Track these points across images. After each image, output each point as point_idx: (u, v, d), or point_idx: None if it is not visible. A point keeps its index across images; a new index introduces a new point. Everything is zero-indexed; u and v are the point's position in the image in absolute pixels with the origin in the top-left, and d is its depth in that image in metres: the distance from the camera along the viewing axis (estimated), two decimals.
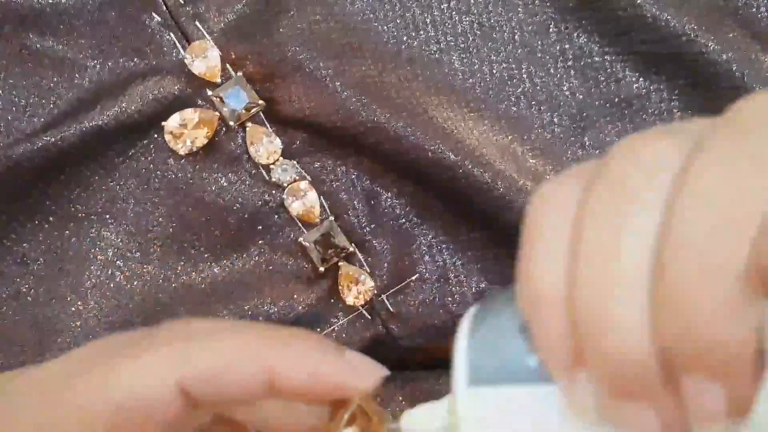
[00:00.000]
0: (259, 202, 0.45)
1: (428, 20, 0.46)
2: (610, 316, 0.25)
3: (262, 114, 0.45)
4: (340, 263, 0.45)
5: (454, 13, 0.46)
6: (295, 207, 0.45)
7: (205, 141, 0.44)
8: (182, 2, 0.44)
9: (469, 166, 0.43)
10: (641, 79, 0.46)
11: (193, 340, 0.31)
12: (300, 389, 0.31)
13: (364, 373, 0.33)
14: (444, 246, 0.46)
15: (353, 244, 0.45)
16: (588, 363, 0.26)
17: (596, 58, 0.46)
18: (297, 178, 0.45)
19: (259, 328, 0.35)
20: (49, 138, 0.42)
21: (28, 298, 0.44)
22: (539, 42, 0.46)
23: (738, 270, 0.23)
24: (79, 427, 0.31)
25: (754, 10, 0.46)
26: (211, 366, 0.30)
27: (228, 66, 0.44)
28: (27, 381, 0.33)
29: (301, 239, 0.45)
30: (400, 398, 0.46)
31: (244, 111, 0.44)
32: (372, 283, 0.45)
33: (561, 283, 0.26)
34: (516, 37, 0.46)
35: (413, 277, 0.46)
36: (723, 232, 0.23)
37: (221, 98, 0.44)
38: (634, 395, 0.25)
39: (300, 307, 0.45)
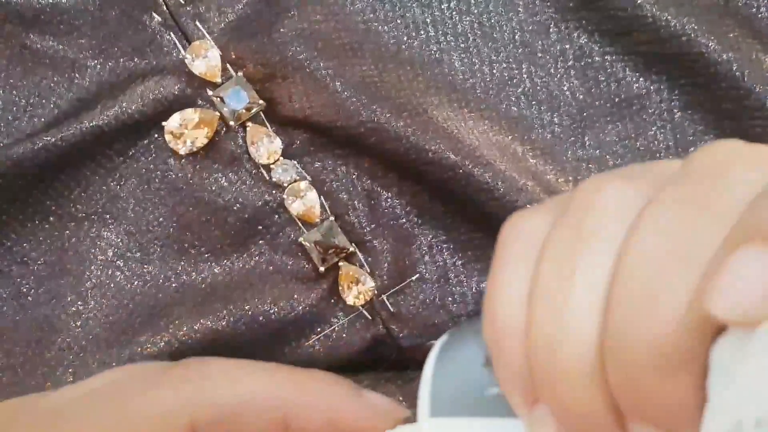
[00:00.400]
0: (260, 202, 0.45)
1: (428, 20, 0.46)
2: (559, 362, 0.25)
3: (262, 114, 0.45)
4: (340, 263, 0.45)
5: (454, 13, 0.46)
6: (296, 207, 0.45)
7: (206, 141, 0.44)
8: (182, 2, 0.44)
9: (470, 166, 0.43)
10: (641, 79, 0.46)
11: (209, 379, 0.31)
12: (316, 430, 0.31)
13: (383, 415, 0.33)
14: (444, 246, 0.46)
15: (353, 244, 0.45)
16: (545, 401, 0.26)
17: (596, 58, 0.46)
18: (297, 178, 0.45)
19: (277, 370, 0.35)
20: (49, 138, 0.42)
21: (29, 298, 0.44)
22: (539, 42, 0.46)
23: (681, 320, 0.23)
24: None
25: (754, 10, 0.46)
26: (225, 407, 0.31)
27: (228, 66, 0.44)
28: (38, 409, 0.34)
29: (301, 239, 0.45)
30: (400, 398, 0.46)
31: (244, 111, 0.44)
32: (372, 283, 0.45)
33: (522, 318, 0.26)
34: (516, 37, 0.46)
35: (414, 277, 0.46)
36: (666, 282, 0.24)
37: (221, 98, 0.44)
38: None
39: (300, 307, 0.45)
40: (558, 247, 0.26)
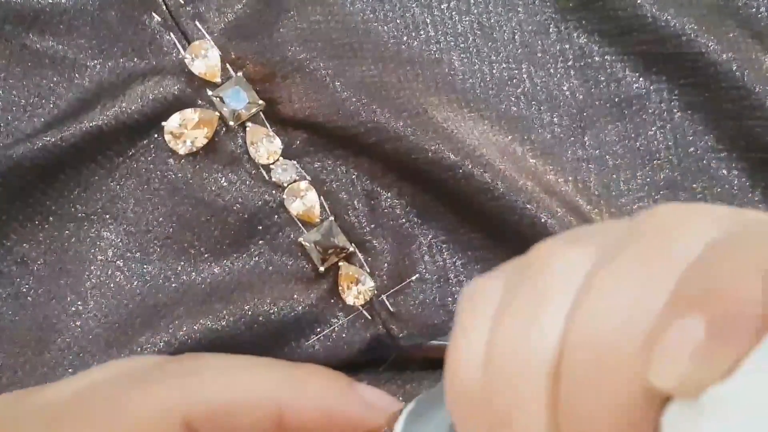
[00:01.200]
0: (259, 202, 0.45)
1: (428, 20, 0.45)
2: (515, 424, 0.25)
3: (262, 114, 0.45)
4: (340, 263, 0.45)
5: (454, 13, 0.46)
6: (295, 207, 0.45)
7: (205, 141, 0.44)
8: (182, 2, 0.44)
9: (470, 166, 0.43)
10: (641, 79, 0.46)
11: (203, 375, 0.31)
12: (311, 425, 0.31)
13: (378, 408, 0.33)
14: (444, 246, 0.46)
15: (353, 244, 0.45)
16: None
17: (596, 58, 0.46)
18: (297, 178, 0.45)
19: (271, 365, 0.35)
20: (49, 138, 0.42)
21: (28, 298, 0.44)
22: (539, 42, 0.46)
23: (628, 388, 0.23)
24: None
25: (754, 10, 0.46)
26: (219, 403, 0.31)
27: (228, 66, 0.44)
28: (34, 404, 0.33)
29: (301, 239, 0.45)
30: (400, 398, 0.46)
31: (244, 111, 0.44)
32: (372, 283, 0.45)
33: (476, 389, 0.26)
34: (516, 37, 0.46)
35: (413, 277, 0.46)
36: (611, 351, 0.24)
37: (221, 98, 0.44)
38: None
39: (300, 307, 0.45)
40: (513, 309, 0.26)
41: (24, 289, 0.44)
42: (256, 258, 0.46)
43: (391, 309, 0.46)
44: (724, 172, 0.46)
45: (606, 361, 0.24)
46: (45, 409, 0.33)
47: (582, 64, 0.46)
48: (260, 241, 0.45)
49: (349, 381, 0.35)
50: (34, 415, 0.33)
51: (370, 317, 0.46)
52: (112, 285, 0.45)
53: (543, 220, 0.43)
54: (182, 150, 0.44)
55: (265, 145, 0.45)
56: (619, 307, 0.24)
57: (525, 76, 0.46)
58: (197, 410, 0.31)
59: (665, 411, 0.23)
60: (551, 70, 0.46)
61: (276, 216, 0.45)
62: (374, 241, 0.45)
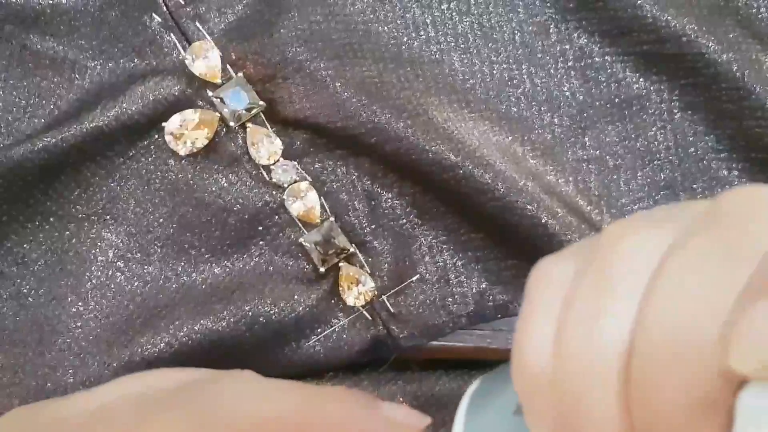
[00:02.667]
0: (260, 203, 0.45)
1: (428, 21, 0.45)
2: (585, 409, 0.25)
3: (262, 115, 0.45)
4: (340, 264, 0.45)
5: (454, 13, 0.46)
6: (296, 207, 0.45)
7: (206, 142, 0.44)
8: (183, 3, 0.44)
9: (470, 167, 0.43)
10: (641, 79, 0.46)
11: (224, 400, 0.32)
12: None
13: (404, 425, 0.33)
14: (444, 246, 0.46)
15: (354, 245, 0.45)
16: None
17: (596, 59, 0.46)
18: (297, 178, 0.45)
19: (292, 389, 0.35)
20: (49, 139, 0.42)
21: (29, 298, 0.44)
22: (539, 42, 0.46)
23: (704, 369, 0.23)
24: None
25: (754, 10, 0.46)
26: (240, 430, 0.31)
27: (228, 67, 0.44)
28: (51, 418, 0.34)
29: (301, 240, 0.45)
30: (401, 399, 0.46)
31: (244, 112, 0.44)
32: (372, 284, 0.45)
33: (550, 365, 0.26)
34: (516, 37, 0.46)
35: (414, 278, 0.46)
36: (688, 331, 0.24)
37: (222, 99, 0.44)
38: None
39: (300, 308, 0.45)
40: (583, 294, 0.26)
41: (24, 290, 0.44)
42: (257, 259, 0.45)
43: (392, 309, 0.46)
44: (725, 172, 0.46)
45: (682, 344, 0.23)
46: (59, 425, 0.33)
47: (582, 64, 0.46)
48: (261, 242, 0.45)
49: (371, 399, 0.35)
50: (52, 429, 0.33)
51: (370, 318, 0.46)
52: (112, 286, 0.45)
53: (543, 221, 0.43)
54: (183, 151, 0.44)
55: (266, 146, 0.45)
56: (696, 289, 0.24)
57: (525, 76, 0.46)
58: None
59: (741, 394, 0.23)
60: (551, 71, 0.46)
61: (276, 216, 0.45)
62: (375, 242, 0.45)
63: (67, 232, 0.45)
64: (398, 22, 0.45)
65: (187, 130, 0.44)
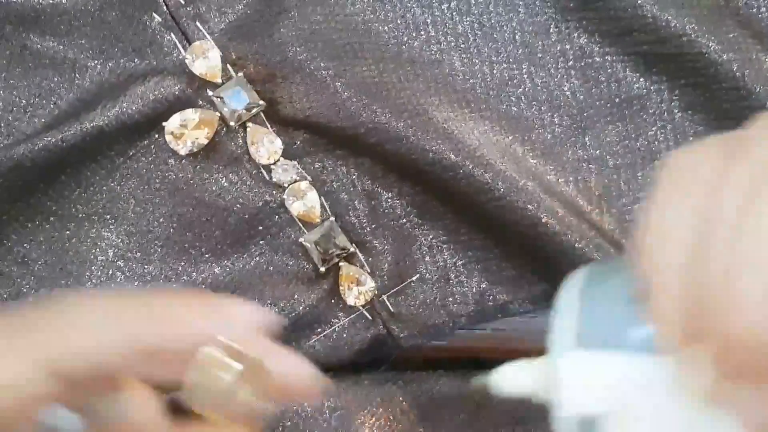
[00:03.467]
0: (260, 203, 0.45)
1: (429, 21, 0.45)
2: (736, 293, 0.25)
3: (262, 114, 0.45)
4: (340, 263, 0.45)
5: (454, 13, 0.46)
6: (296, 207, 0.45)
7: (206, 141, 0.44)
8: (183, 2, 0.44)
9: (470, 167, 0.43)
10: (642, 79, 0.46)
11: (62, 320, 0.30)
12: (166, 347, 0.30)
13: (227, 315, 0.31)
14: (445, 246, 0.46)
15: (354, 245, 0.45)
16: (705, 339, 0.25)
17: (597, 59, 0.46)
18: (297, 178, 0.45)
19: (120, 298, 0.32)
20: (49, 138, 0.42)
21: (29, 298, 0.44)
22: (540, 42, 0.46)
23: None
24: None
25: (754, 10, 0.46)
26: (78, 347, 0.29)
27: (229, 66, 0.44)
28: None
29: (301, 239, 0.45)
30: (401, 399, 0.46)
31: (244, 111, 0.44)
32: (373, 284, 0.45)
33: (684, 253, 0.26)
34: (516, 37, 0.46)
35: (414, 278, 0.46)
36: None
37: (222, 99, 0.44)
38: (753, 378, 0.25)
39: (300, 308, 0.45)
40: (740, 184, 0.25)
41: (24, 289, 0.45)
42: (257, 258, 0.45)
43: (392, 309, 0.46)
44: None
45: None
46: None
47: (582, 64, 0.46)
48: (261, 242, 0.45)
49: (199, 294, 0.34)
50: None
51: (370, 317, 0.46)
52: (112, 285, 0.45)
53: (543, 221, 0.43)
54: (183, 150, 0.44)
55: (266, 146, 0.45)
56: None
57: (525, 76, 0.46)
58: (60, 358, 0.29)
59: None
60: (552, 71, 0.46)
61: (276, 216, 0.45)
62: (375, 242, 0.45)
63: (67, 232, 0.45)
64: (398, 21, 0.45)
65: (187, 130, 0.44)
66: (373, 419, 0.45)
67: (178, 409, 0.31)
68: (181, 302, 0.32)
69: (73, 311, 0.31)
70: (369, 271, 0.45)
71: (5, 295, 0.44)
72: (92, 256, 0.45)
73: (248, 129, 0.45)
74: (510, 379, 0.32)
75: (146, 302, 0.32)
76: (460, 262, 0.46)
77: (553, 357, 0.30)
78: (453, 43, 0.46)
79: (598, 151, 0.46)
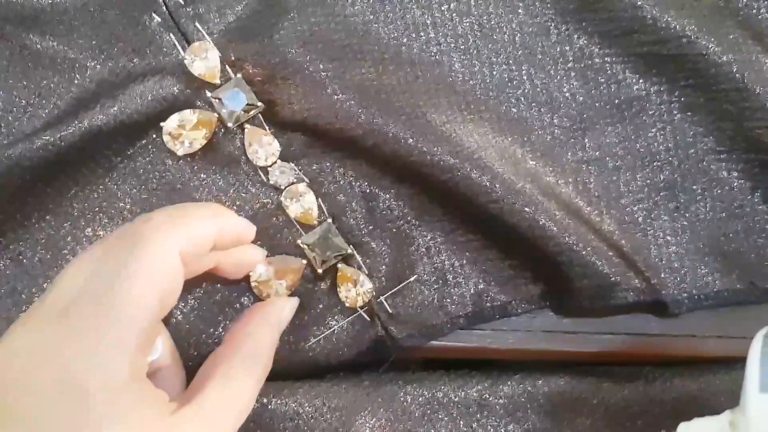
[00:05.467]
0: (257, 204, 0.45)
1: (428, 22, 0.45)
2: None
3: (260, 116, 0.44)
4: (338, 265, 0.45)
5: (454, 14, 0.45)
6: (293, 209, 0.45)
7: (204, 142, 0.44)
8: (182, 3, 0.44)
9: (468, 169, 0.42)
10: (641, 80, 0.46)
11: (179, 219, 0.37)
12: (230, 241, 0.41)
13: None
14: (442, 247, 0.46)
15: (351, 246, 0.45)
16: None
17: (596, 60, 0.46)
18: (295, 180, 0.45)
19: (202, 204, 0.42)
20: (48, 137, 0.42)
21: (22, 296, 0.45)
22: (539, 44, 0.46)
23: None
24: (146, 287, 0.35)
25: (754, 11, 0.45)
26: (196, 237, 0.38)
27: (227, 67, 0.44)
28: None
29: (299, 241, 0.45)
30: (401, 399, 0.45)
31: (242, 113, 0.44)
32: (370, 285, 0.45)
33: None
34: (516, 38, 0.46)
35: (412, 279, 0.45)
36: None
37: (220, 99, 0.44)
38: None
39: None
40: None
41: (19, 287, 0.45)
42: None
43: (390, 310, 0.45)
44: (725, 173, 0.46)
45: None
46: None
47: (582, 65, 0.46)
48: (258, 243, 0.45)
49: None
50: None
51: (369, 319, 0.45)
52: None
53: (541, 223, 0.43)
54: (180, 151, 0.44)
55: (264, 147, 0.45)
56: None
57: (525, 77, 0.46)
58: (186, 247, 0.37)
59: None
60: (551, 72, 0.46)
61: (274, 218, 0.45)
62: (372, 243, 0.45)
63: (63, 230, 0.45)
64: (398, 23, 0.45)
65: (185, 130, 0.44)
66: (374, 419, 0.45)
67: None
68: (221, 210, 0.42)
69: (189, 213, 0.39)
70: (367, 272, 0.45)
71: (1, 291, 0.44)
72: None
73: (246, 130, 0.45)
74: (697, 429, 0.37)
75: (215, 210, 0.41)
76: (457, 263, 0.46)
77: (741, 404, 0.34)
78: (453, 45, 0.45)
79: (597, 153, 0.46)
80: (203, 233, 0.38)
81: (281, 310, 0.43)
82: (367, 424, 0.44)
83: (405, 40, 0.45)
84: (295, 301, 0.44)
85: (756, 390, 0.34)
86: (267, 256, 0.45)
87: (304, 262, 0.45)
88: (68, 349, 0.33)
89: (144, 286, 0.35)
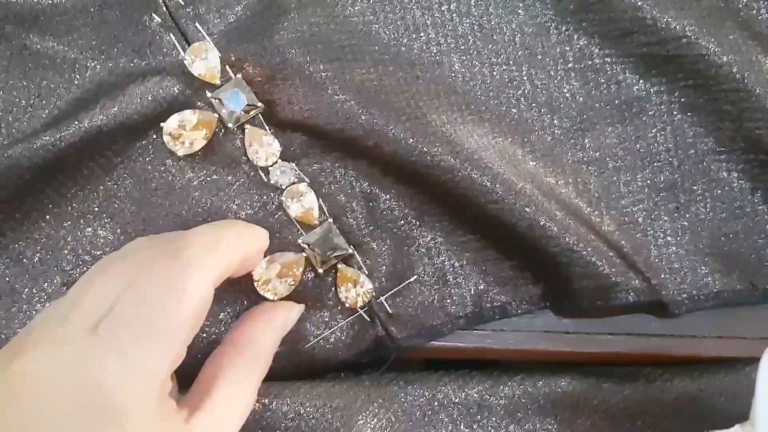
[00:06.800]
0: (258, 204, 0.45)
1: (429, 22, 0.45)
2: None
3: (261, 116, 0.44)
4: (338, 265, 0.45)
5: (454, 15, 0.45)
6: (294, 209, 0.45)
7: (204, 142, 0.44)
8: (182, 3, 0.44)
9: (468, 169, 0.42)
10: (641, 81, 0.46)
11: (217, 246, 0.37)
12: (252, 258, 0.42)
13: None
14: (443, 248, 0.46)
15: (352, 246, 0.45)
16: None
17: (596, 60, 0.46)
18: (295, 180, 0.45)
19: (231, 225, 0.41)
20: (48, 138, 0.42)
21: (23, 296, 0.44)
22: (539, 44, 0.46)
23: None
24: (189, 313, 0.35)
25: (754, 12, 0.45)
26: (229, 266, 0.38)
27: (227, 68, 0.44)
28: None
29: (299, 241, 0.45)
30: (402, 399, 0.45)
31: (243, 113, 0.44)
32: (371, 285, 0.45)
33: None
34: (516, 39, 0.46)
35: (412, 279, 0.45)
36: None
37: (220, 100, 0.44)
38: None
39: None
40: None
41: (18, 287, 0.44)
42: None
43: (390, 311, 0.45)
44: (725, 174, 0.46)
45: None
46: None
47: (582, 66, 0.46)
48: None
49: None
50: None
51: (369, 319, 0.45)
52: None
53: (541, 223, 0.42)
54: (181, 151, 0.44)
55: (264, 147, 0.44)
56: None
57: (525, 78, 0.46)
58: (218, 275, 0.37)
59: None
60: (551, 72, 0.46)
61: (274, 218, 0.45)
62: (373, 243, 0.45)
63: (63, 230, 0.44)
64: (398, 23, 0.45)
65: (185, 131, 0.44)
66: (375, 420, 0.44)
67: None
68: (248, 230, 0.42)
69: (219, 238, 0.38)
70: (367, 272, 0.45)
71: (0, 292, 0.44)
72: (88, 255, 0.45)
73: (246, 131, 0.44)
74: None
75: (240, 228, 0.41)
76: (457, 264, 0.46)
77: (750, 418, 0.35)
78: (453, 45, 0.45)
79: (597, 153, 0.46)
80: (235, 261, 0.39)
81: (287, 315, 0.43)
82: (368, 425, 0.44)
83: (405, 41, 0.45)
84: (300, 307, 0.44)
85: (766, 405, 0.34)
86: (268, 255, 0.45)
87: (305, 254, 0.45)
88: (102, 368, 0.33)
89: (186, 316, 0.35)
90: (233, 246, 0.38)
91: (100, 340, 0.34)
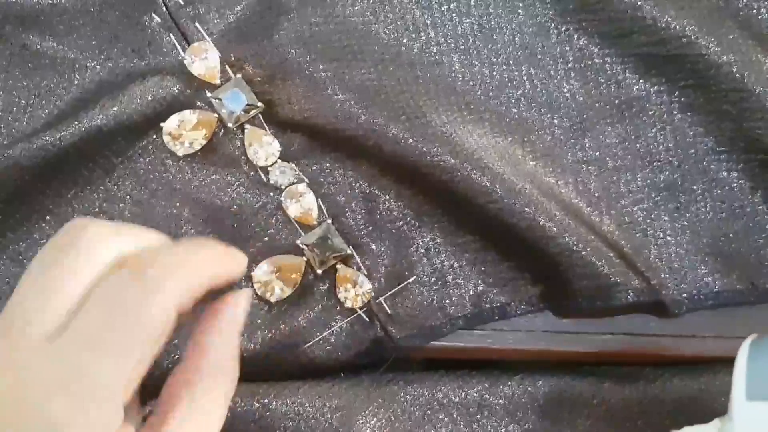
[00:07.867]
0: (257, 204, 0.45)
1: (428, 22, 0.45)
2: None
3: (260, 116, 0.44)
4: (337, 265, 0.45)
5: (454, 15, 0.45)
6: (293, 209, 0.45)
7: (204, 142, 0.44)
8: (182, 3, 0.44)
9: (468, 170, 0.42)
10: (641, 81, 0.46)
11: (182, 269, 0.34)
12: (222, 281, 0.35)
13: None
14: (442, 248, 0.46)
15: (351, 247, 0.45)
16: None
17: (596, 60, 0.46)
18: (295, 180, 0.45)
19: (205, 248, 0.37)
20: (48, 138, 0.42)
21: None
22: (539, 44, 0.46)
23: None
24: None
25: (754, 11, 0.45)
26: (192, 292, 0.34)
27: (227, 68, 0.44)
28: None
29: (298, 241, 0.45)
30: (402, 399, 0.45)
31: (242, 113, 0.44)
32: (370, 286, 0.45)
33: None
34: (516, 39, 0.45)
35: (411, 279, 0.45)
36: None
37: (220, 100, 0.43)
38: None
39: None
40: None
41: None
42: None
43: (389, 311, 0.45)
44: (725, 174, 0.45)
45: None
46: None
47: (582, 66, 0.46)
48: (258, 244, 0.45)
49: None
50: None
51: (368, 319, 0.45)
52: None
53: (541, 223, 0.42)
54: (180, 151, 0.44)
55: (264, 147, 0.44)
56: None
57: (525, 78, 0.46)
58: (185, 299, 0.33)
59: None
60: (551, 72, 0.46)
61: (273, 218, 0.45)
62: (372, 244, 0.45)
63: None
64: (398, 23, 0.45)
65: (185, 131, 0.44)
66: (374, 419, 0.44)
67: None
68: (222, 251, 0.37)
69: (188, 260, 0.35)
70: (366, 273, 0.45)
71: (0, 292, 0.44)
72: None
73: (246, 130, 0.44)
74: None
75: (211, 252, 0.37)
76: (457, 264, 0.46)
77: (728, 412, 0.35)
78: (453, 45, 0.45)
79: (597, 153, 0.46)
80: (202, 285, 0.35)
81: (234, 306, 0.38)
82: (368, 424, 0.44)
83: (405, 41, 0.45)
84: (248, 292, 0.39)
85: (743, 398, 0.35)
86: (267, 257, 0.44)
87: (305, 259, 0.44)
88: (55, 390, 0.30)
89: (145, 341, 0.32)
90: (200, 270, 0.35)
91: (54, 355, 0.31)
